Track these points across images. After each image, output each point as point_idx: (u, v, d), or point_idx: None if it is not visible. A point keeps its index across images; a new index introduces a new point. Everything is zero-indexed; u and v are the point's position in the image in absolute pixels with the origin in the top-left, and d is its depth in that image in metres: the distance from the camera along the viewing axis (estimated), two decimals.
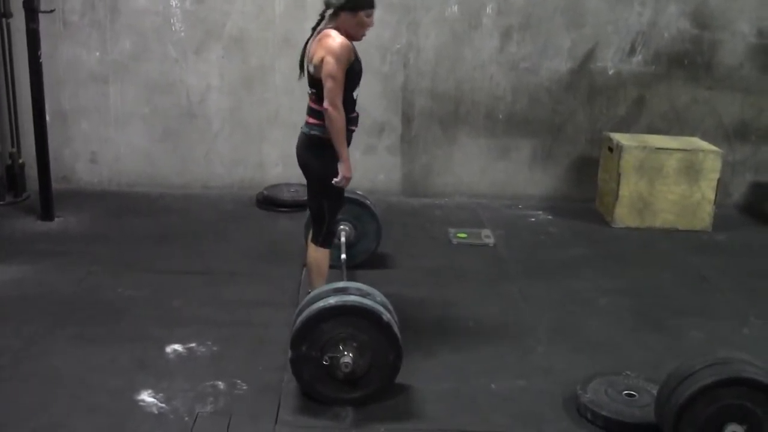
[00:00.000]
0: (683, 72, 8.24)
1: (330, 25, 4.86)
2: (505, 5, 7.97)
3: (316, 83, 4.86)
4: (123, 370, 4.65)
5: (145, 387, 4.46)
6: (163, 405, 4.31)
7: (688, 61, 8.21)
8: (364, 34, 4.99)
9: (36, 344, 4.92)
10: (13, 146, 7.70)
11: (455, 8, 7.94)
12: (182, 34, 7.89)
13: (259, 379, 4.61)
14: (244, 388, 4.52)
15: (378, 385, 4.40)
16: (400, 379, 4.48)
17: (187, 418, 4.19)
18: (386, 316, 4.33)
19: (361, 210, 6.16)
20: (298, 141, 5.09)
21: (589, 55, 8.13)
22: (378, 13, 7.76)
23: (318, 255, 5.15)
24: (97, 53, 7.89)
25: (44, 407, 4.24)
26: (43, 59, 6.97)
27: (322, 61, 4.74)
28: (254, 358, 4.86)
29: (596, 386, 4.51)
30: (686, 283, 6.48)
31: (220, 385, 4.53)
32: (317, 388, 4.36)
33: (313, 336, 4.29)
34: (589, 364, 4.95)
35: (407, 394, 4.53)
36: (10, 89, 7.62)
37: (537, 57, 8.12)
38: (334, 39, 4.74)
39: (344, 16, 4.83)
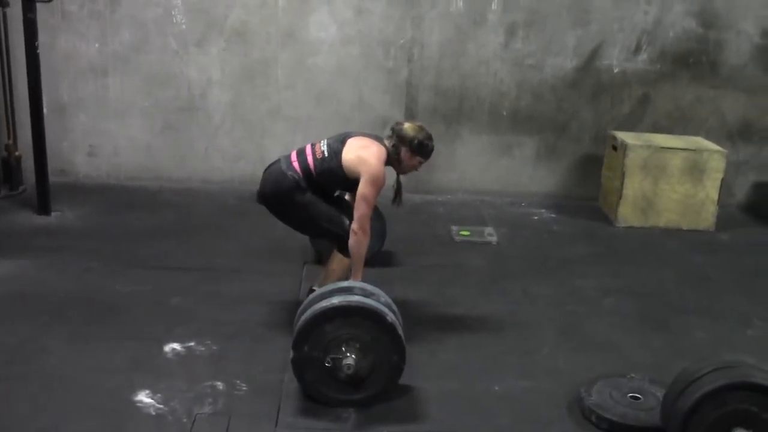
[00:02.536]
0: (688, 71, 8.19)
1: (382, 141, 5.09)
2: (511, 1, 7.90)
3: (334, 170, 4.99)
4: (121, 369, 4.58)
5: (143, 387, 4.39)
6: (161, 406, 4.24)
7: (693, 60, 8.15)
8: (406, 173, 5.26)
9: (31, 343, 4.85)
10: (9, 138, 7.62)
11: (460, 4, 7.87)
12: (183, 26, 7.81)
13: (259, 380, 4.54)
14: (244, 388, 4.45)
15: (381, 386, 4.34)
16: (402, 379, 4.43)
17: (185, 420, 4.13)
18: (390, 317, 4.27)
19: None
20: (271, 177, 5.12)
21: (595, 53, 8.07)
22: (382, 6, 7.81)
23: (345, 265, 5.11)
24: (97, 44, 7.81)
25: (40, 408, 4.17)
26: (41, 50, 6.88)
27: (355, 166, 4.91)
28: (254, 357, 4.79)
29: (600, 388, 4.47)
30: (690, 283, 6.44)
31: (220, 385, 4.46)
32: (319, 389, 4.30)
33: (315, 336, 4.22)
34: (593, 364, 4.91)
35: (410, 395, 4.47)
36: (7, 80, 7.54)
37: (542, 54, 8.05)
38: (379, 167, 4.92)
39: (405, 153, 5.05)
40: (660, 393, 4.26)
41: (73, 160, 8.11)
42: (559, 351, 5.14)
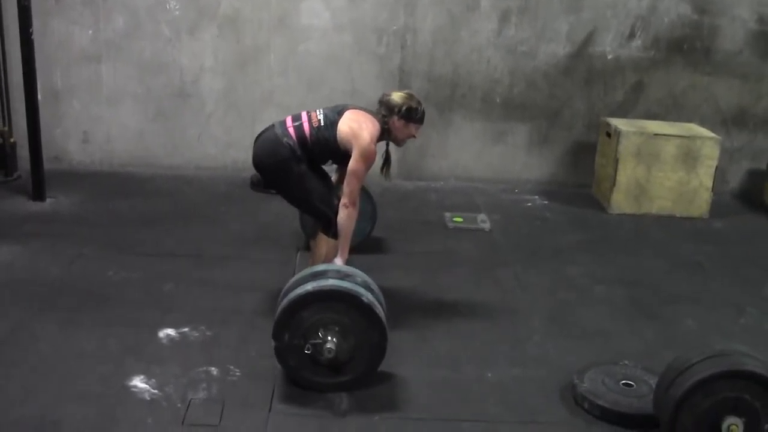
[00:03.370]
0: (682, 57, 8.18)
1: (377, 116, 5.04)
2: None
3: (329, 140, 4.97)
4: (114, 355, 4.58)
5: (137, 373, 4.39)
6: (156, 391, 4.24)
7: (688, 47, 8.15)
8: (402, 143, 5.20)
9: (24, 329, 4.84)
10: (4, 125, 7.60)
11: None
12: (176, 12, 7.78)
13: (252, 365, 4.54)
14: (238, 374, 4.46)
15: (365, 368, 4.33)
16: (393, 367, 4.43)
17: (179, 405, 4.13)
18: (367, 297, 4.25)
19: None
20: (265, 144, 5.08)
21: (588, 40, 8.06)
22: None
23: (331, 247, 5.08)
24: (90, 31, 7.78)
25: (32, 395, 4.16)
26: (35, 36, 6.85)
27: (348, 139, 4.90)
28: (247, 343, 4.79)
29: (593, 375, 4.47)
30: (682, 270, 6.44)
31: (213, 371, 4.46)
32: (304, 375, 4.30)
33: (294, 324, 4.22)
34: (584, 352, 4.91)
35: (401, 383, 4.47)
36: (1, 67, 7.51)
37: (535, 41, 8.04)
38: (370, 143, 4.88)
39: (397, 122, 5.01)
40: (652, 380, 4.27)
41: (67, 147, 8.09)
42: (551, 338, 5.14)
